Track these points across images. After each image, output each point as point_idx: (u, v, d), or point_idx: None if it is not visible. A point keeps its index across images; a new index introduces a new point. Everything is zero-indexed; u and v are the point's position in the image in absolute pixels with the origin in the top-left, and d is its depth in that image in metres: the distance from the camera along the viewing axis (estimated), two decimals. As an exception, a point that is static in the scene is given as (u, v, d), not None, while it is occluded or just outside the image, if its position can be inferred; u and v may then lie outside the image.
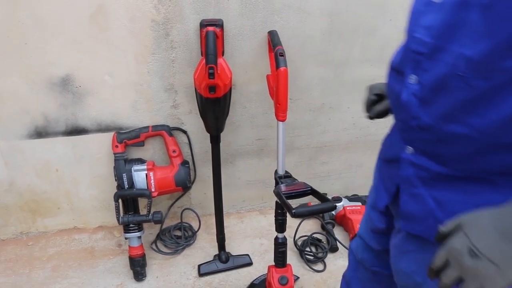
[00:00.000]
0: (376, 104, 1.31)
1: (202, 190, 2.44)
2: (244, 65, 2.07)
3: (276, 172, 1.92)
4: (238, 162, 2.41)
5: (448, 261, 0.82)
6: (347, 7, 2.03)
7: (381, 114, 1.31)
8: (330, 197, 2.58)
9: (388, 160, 1.17)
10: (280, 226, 1.93)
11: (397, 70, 1.04)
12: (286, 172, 1.92)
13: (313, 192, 1.75)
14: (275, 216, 1.93)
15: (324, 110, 2.32)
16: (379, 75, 2.23)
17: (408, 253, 1.12)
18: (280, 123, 1.85)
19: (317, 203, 1.68)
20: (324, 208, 1.65)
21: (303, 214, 1.64)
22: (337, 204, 2.55)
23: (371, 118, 1.34)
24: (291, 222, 2.49)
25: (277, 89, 1.81)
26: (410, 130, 1.00)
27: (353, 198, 2.63)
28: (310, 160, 2.51)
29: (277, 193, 1.72)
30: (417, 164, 1.01)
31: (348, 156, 2.57)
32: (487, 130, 0.86)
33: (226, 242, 2.35)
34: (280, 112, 1.83)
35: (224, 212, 2.52)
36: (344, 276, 1.67)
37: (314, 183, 2.54)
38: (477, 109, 0.85)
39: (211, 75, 1.76)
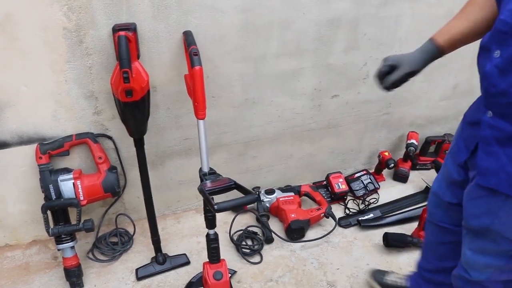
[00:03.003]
0: (388, 75, 1.49)
1: (135, 194, 2.44)
2: (163, 66, 2.08)
3: (200, 169, 1.94)
4: (168, 163, 2.42)
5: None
6: (259, 3, 2.07)
7: (395, 84, 1.50)
8: (263, 190, 2.64)
9: (471, 123, 1.41)
10: (210, 222, 1.96)
11: (484, 48, 1.25)
12: (211, 169, 1.95)
13: (237, 186, 1.78)
14: (204, 213, 1.96)
15: (247, 105, 2.36)
16: (298, 67, 2.33)
17: (478, 199, 1.34)
18: (200, 121, 1.88)
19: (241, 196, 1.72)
20: (245, 201, 1.69)
21: (225, 208, 1.66)
22: (270, 196, 2.60)
23: (387, 88, 1.52)
24: (227, 218, 2.54)
25: (194, 88, 1.83)
26: (490, 96, 1.23)
27: (286, 189, 2.70)
28: (240, 155, 2.55)
29: (200, 190, 1.75)
30: (494, 126, 1.22)
31: (277, 148, 2.62)
32: None
33: (164, 244, 2.36)
34: (199, 111, 1.86)
35: (160, 214, 2.56)
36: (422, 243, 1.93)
37: (246, 178, 2.63)
38: None
39: (126, 79, 1.77)
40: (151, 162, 2.37)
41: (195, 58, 1.83)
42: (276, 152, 2.63)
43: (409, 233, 2.47)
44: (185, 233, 2.52)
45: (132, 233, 2.47)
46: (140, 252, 2.39)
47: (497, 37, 1.18)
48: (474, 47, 2.69)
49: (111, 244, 2.40)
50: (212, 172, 1.94)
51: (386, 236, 2.41)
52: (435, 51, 1.46)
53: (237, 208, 2.55)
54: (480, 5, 1.38)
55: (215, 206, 1.64)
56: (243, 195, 1.71)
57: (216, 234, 1.98)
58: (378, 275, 2.20)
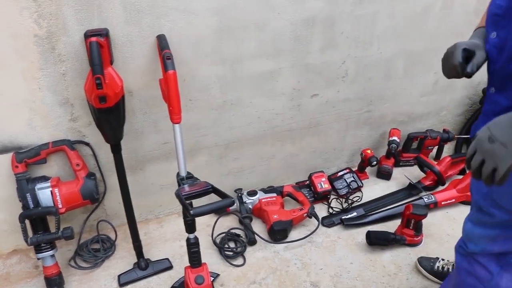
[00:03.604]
0: (470, 60, 1.38)
1: (116, 200, 2.40)
2: (138, 71, 2.07)
3: (178, 174, 1.93)
4: (148, 168, 2.40)
5: (475, 149, 1.19)
6: (234, 5, 2.06)
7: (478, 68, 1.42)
8: (245, 192, 2.63)
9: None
10: (190, 226, 1.94)
11: (487, 32, 1.36)
12: (188, 173, 1.94)
13: (214, 190, 1.78)
14: (183, 218, 1.95)
15: (226, 107, 2.35)
16: (276, 67, 2.32)
17: None
18: (176, 125, 1.87)
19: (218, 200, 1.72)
20: (221, 205, 1.68)
21: (201, 213, 1.66)
22: (252, 198, 2.59)
23: (470, 74, 1.38)
24: (210, 221, 2.53)
25: (168, 92, 1.82)
26: (492, 73, 1.35)
27: (268, 190, 2.69)
28: (221, 157, 2.54)
29: (177, 195, 1.74)
30: (494, 100, 1.34)
31: (258, 150, 2.62)
32: None
33: (147, 248, 2.35)
34: (174, 115, 1.85)
35: (143, 219, 2.55)
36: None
37: (228, 180, 2.61)
38: None
39: (99, 85, 1.76)
40: (131, 167, 2.35)
41: (168, 62, 1.82)
42: (257, 153, 2.63)
43: (393, 231, 2.47)
44: (168, 237, 2.51)
45: (114, 239, 2.44)
46: (123, 258, 2.37)
47: (493, 20, 1.31)
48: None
49: (93, 251, 2.38)
50: (189, 176, 1.93)
51: (369, 235, 2.41)
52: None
53: (217, 212, 2.53)
54: None
55: (191, 211, 1.65)
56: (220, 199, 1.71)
57: (196, 238, 1.97)
58: (426, 263, 2.27)
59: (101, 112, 1.87)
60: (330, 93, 2.59)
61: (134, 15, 1.93)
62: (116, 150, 2.03)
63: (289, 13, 2.20)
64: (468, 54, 1.38)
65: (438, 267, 2.24)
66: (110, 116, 1.90)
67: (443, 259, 2.26)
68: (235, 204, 2.59)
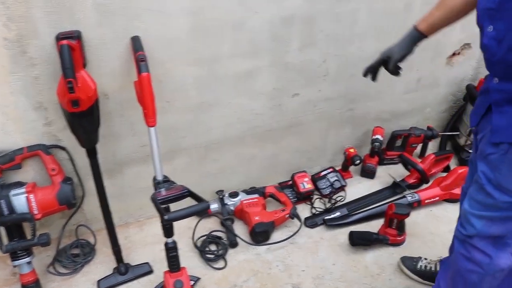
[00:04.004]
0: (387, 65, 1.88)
1: (96, 204, 2.34)
2: (113, 73, 2.03)
3: (154, 178, 1.90)
4: (127, 171, 2.37)
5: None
6: (208, 4, 2.03)
7: (370, 70, 1.97)
8: (227, 193, 2.60)
9: (480, 92, 1.59)
10: (167, 231, 1.91)
11: (480, 27, 1.44)
12: (165, 176, 1.91)
13: (190, 194, 1.76)
14: (161, 222, 1.91)
15: (204, 108, 2.32)
16: (254, 67, 2.29)
17: (487, 156, 1.47)
18: (151, 128, 1.84)
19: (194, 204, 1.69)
20: (196, 210, 1.66)
21: (176, 218, 1.64)
22: (234, 199, 2.57)
23: (393, 74, 1.92)
24: (191, 223, 2.50)
25: (142, 95, 1.79)
26: (493, 64, 1.42)
27: (250, 191, 2.65)
28: (201, 159, 2.50)
29: (152, 199, 1.72)
30: (502, 90, 1.41)
31: (239, 151, 2.59)
32: None
33: (127, 253, 2.32)
34: (149, 118, 1.82)
35: (123, 222, 2.52)
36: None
37: (209, 182, 2.58)
38: None
39: (71, 89, 1.72)
40: (109, 171, 2.32)
41: (142, 65, 1.79)
42: (238, 154, 2.60)
43: (376, 230, 2.46)
44: (148, 241, 2.47)
45: (93, 244, 2.41)
46: (103, 263, 2.34)
47: (487, 14, 1.37)
48: (435, 41, 2.70)
49: (72, 256, 2.34)
50: (166, 180, 1.91)
51: (351, 235, 2.39)
52: (417, 36, 1.78)
53: (198, 214, 2.50)
54: None
55: (165, 217, 1.62)
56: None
57: (174, 243, 1.94)
58: (409, 262, 2.27)
59: (74, 116, 1.83)
60: (311, 92, 2.56)
61: (107, 17, 1.88)
62: (92, 154, 1.99)
63: (266, 12, 2.17)
64: (386, 61, 1.87)
65: (421, 266, 2.22)
66: (83, 120, 1.86)
67: (425, 258, 2.25)
68: (217, 206, 2.57)
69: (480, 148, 1.55)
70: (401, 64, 1.88)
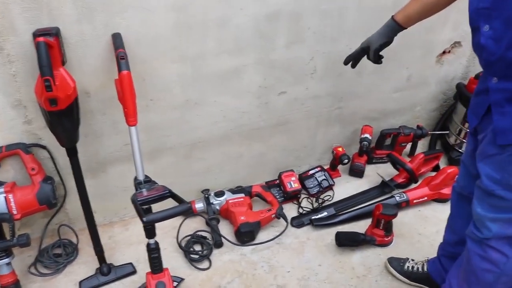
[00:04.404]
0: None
1: (78, 203, 2.31)
2: (95, 71, 1.99)
3: (135, 178, 1.87)
4: (110, 170, 2.33)
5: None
6: (192, 1, 1.98)
7: (350, 58, 2.04)
8: (213, 192, 2.57)
9: (476, 93, 1.57)
10: (149, 231, 1.87)
11: (474, 28, 1.43)
12: (146, 176, 1.87)
13: (171, 195, 1.73)
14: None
15: (189, 107, 2.28)
16: (240, 64, 2.25)
17: (490, 157, 1.47)
18: (132, 128, 1.80)
19: (175, 205, 1.66)
20: (175, 212, 1.63)
21: (155, 220, 1.60)
22: (220, 199, 2.53)
23: (374, 62, 1.95)
24: (176, 222, 2.46)
25: (123, 93, 1.75)
26: (492, 64, 1.40)
27: (236, 190, 2.62)
28: (186, 158, 2.46)
29: (132, 200, 1.69)
30: (502, 89, 1.39)
31: (225, 149, 2.55)
32: None
33: (111, 253, 2.30)
34: (129, 117, 1.79)
35: (107, 221, 2.49)
36: (448, 219, 2.03)
37: (195, 181, 2.55)
38: None
39: (48, 88, 1.68)
40: (92, 170, 2.28)
41: (122, 62, 1.75)
42: (224, 152, 2.56)
43: (364, 230, 2.43)
44: (133, 241, 2.44)
45: (76, 244, 2.37)
46: (86, 263, 2.30)
47: (482, 14, 1.36)
48: (425, 39, 2.67)
49: (55, 256, 2.30)
50: (147, 180, 1.87)
51: (338, 236, 2.35)
52: (395, 27, 1.81)
53: (183, 214, 2.47)
54: None
55: (144, 218, 1.59)
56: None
57: (156, 244, 1.91)
58: (396, 263, 2.24)
59: (52, 115, 1.79)
60: (298, 90, 2.52)
61: (87, 13, 1.84)
62: (72, 153, 1.95)
63: (251, 9, 2.12)
64: (365, 50, 1.96)
65: (408, 267, 2.20)
66: (63, 119, 1.82)
67: (413, 260, 2.22)
68: (202, 205, 2.53)
69: (481, 149, 1.53)
70: (383, 54, 1.93)
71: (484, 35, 1.37)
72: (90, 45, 1.92)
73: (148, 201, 1.72)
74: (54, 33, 1.76)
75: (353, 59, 2.02)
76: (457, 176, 1.90)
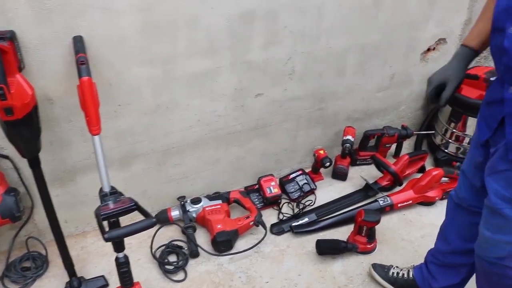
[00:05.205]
0: (442, 93, 1.62)
1: (47, 214, 2.24)
2: (57, 77, 1.88)
3: (100, 190, 1.76)
4: (79, 178, 2.22)
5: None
6: (159, 0, 1.88)
7: (431, 101, 1.70)
8: (189, 199, 2.47)
9: (489, 102, 1.48)
10: (117, 245, 1.78)
11: (497, 29, 1.32)
12: (112, 187, 1.77)
13: (137, 208, 1.63)
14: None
15: (161, 111, 2.18)
16: (213, 66, 2.15)
17: (501, 173, 1.40)
18: (95, 137, 1.70)
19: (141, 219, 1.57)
20: (139, 228, 1.54)
21: (117, 236, 1.51)
22: (196, 206, 2.43)
23: (443, 106, 1.66)
24: (150, 231, 2.35)
25: (84, 101, 1.65)
26: (511, 70, 1.30)
27: (214, 197, 2.52)
28: (159, 164, 2.36)
29: (96, 215, 1.59)
30: None
31: (201, 154, 2.45)
32: None
33: (83, 264, 2.22)
34: (92, 126, 1.68)
35: (79, 232, 2.40)
36: (441, 227, 1.96)
37: (171, 187, 2.45)
38: None
39: (2, 96, 1.57)
40: (60, 179, 2.18)
41: (82, 68, 1.66)
42: (200, 158, 2.46)
43: (346, 236, 2.34)
44: (106, 251, 2.33)
45: (46, 257, 2.27)
46: (56, 276, 2.20)
47: (511, 13, 1.26)
48: (408, 36, 2.57)
49: (22, 270, 2.19)
50: (113, 192, 1.76)
51: (318, 244, 2.26)
52: (472, 55, 1.60)
53: (159, 221, 2.38)
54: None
55: (105, 235, 1.50)
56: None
57: (126, 257, 1.82)
58: (381, 271, 2.16)
59: (9, 125, 1.67)
60: (276, 91, 2.42)
61: (45, 15, 1.73)
62: (34, 164, 1.84)
63: (223, 8, 2.03)
64: (441, 88, 1.62)
65: (393, 273, 2.13)
66: (21, 128, 1.71)
67: (397, 267, 2.13)
68: (178, 213, 2.43)
69: (491, 163, 1.46)
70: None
71: (508, 37, 1.27)
72: (51, 49, 1.81)
73: (113, 215, 1.62)
74: (9, 37, 1.65)
75: (431, 101, 1.71)
76: (456, 186, 1.80)
